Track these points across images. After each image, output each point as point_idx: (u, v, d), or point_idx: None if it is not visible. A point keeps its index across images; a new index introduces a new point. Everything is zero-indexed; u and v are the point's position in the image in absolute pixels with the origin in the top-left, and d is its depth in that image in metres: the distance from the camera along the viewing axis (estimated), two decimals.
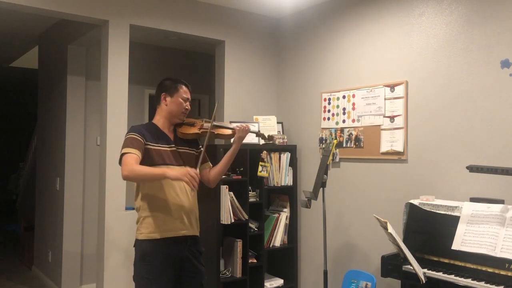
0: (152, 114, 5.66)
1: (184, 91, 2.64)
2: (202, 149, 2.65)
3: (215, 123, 2.68)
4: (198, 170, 2.40)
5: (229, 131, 2.72)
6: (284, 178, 4.16)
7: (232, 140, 2.74)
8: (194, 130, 2.65)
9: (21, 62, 6.94)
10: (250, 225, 3.94)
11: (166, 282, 2.48)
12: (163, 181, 2.50)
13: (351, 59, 3.83)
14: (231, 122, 4.00)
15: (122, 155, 2.42)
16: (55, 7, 3.40)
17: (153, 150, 2.51)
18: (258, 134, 2.89)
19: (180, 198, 2.55)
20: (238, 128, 2.68)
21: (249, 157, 3.91)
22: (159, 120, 2.64)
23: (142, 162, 2.44)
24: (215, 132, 2.67)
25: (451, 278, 2.52)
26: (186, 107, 2.64)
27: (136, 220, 2.59)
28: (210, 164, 2.80)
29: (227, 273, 3.84)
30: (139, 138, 2.47)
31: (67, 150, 4.76)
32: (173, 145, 2.60)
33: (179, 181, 2.42)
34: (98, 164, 3.93)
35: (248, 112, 4.31)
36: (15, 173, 9.02)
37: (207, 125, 2.68)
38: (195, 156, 2.70)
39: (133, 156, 2.39)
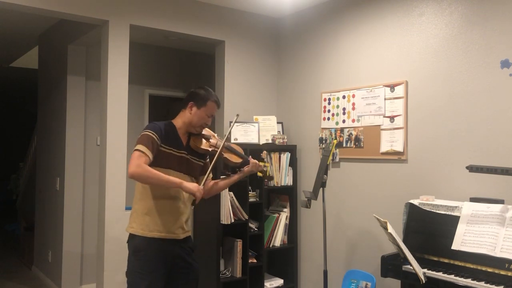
0: (152, 115, 5.70)
1: (211, 108, 2.66)
2: (208, 161, 2.75)
3: (227, 147, 2.75)
4: (202, 187, 2.55)
5: (238, 159, 2.80)
6: (284, 178, 4.16)
7: (243, 168, 2.83)
8: (206, 146, 2.70)
9: (21, 62, 6.93)
10: (250, 225, 3.94)
11: (158, 278, 2.51)
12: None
13: (351, 59, 3.83)
14: (231, 122, 4.01)
15: (135, 150, 2.45)
16: (55, 7, 3.40)
17: (163, 152, 2.55)
18: (265, 176, 2.99)
19: (177, 201, 2.60)
20: (252, 163, 2.80)
21: None
22: (179, 122, 2.67)
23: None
24: (224, 155, 2.73)
25: (451, 278, 2.52)
26: (207, 123, 2.69)
27: (131, 214, 2.60)
28: (211, 175, 2.88)
29: (227, 273, 3.84)
30: (156, 140, 2.50)
31: (67, 150, 4.76)
32: (183, 151, 2.63)
33: (190, 193, 2.53)
34: (98, 164, 3.92)
35: (248, 112, 4.31)
36: (15, 173, 9.01)
37: (220, 144, 2.72)
38: (200, 166, 2.75)
39: (146, 158, 2.43)
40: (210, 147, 2.69)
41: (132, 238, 2.56)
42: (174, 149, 2.59)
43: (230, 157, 2.77)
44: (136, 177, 2.41)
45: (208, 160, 2.80)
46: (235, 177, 2.85)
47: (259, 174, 3.13)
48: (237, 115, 2.85)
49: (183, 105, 2.69)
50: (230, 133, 2.72)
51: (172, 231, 2.57)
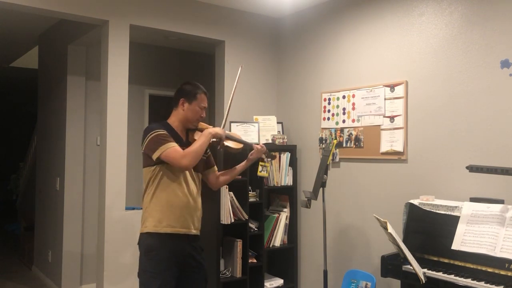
0: (152, 115, 5.70)
1: (202, 100, 2.72)
2: (210, 154, 2.78)
3: (226, 135, 2.77)
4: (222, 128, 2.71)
5: (239, 145, 2.83)
6: (284, 178, 4.16)
7: (250, 154, 2.88)
8: None
9: (21, 62, 6.93)
10: (250, 225, 3.94)
11: (170, 277, 2.53)
12: (173, 181, 2.58)
13: (351, 59, 3.83)
14: (231, 122, 4.02)
15: (165, 150, 2.49)
16: (55, 7, 3.40)
17: None
18: (268, 155, 3.03)
19: (188, 197, 2.62)
20: (256, 149, 2.85)
21: None
22: (174, 121, 2.71)
23: (150, 159, 2.55)
24: (225, 144, 2.76)
25: (451, 278, 2.52)
26: (202, 115, 2.73)
27: (142, 217, 2.63)
28: (216, 168, 2.91)
29: (227, 273, 3.84)
30: (167, 134, 2.56)
31: (67, 150, 4.76)
32: (185, 147, 2.66)
33: (218, 136, 2.66)
34: (98, 164, 3.92)
35: (248, 112, 4.31)
36: (15, 173, 9.01)
37: None
38: (203, 160, 2.77)
39: (177, 148, 2.51)
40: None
41: (143, 238, 2.58)
42: (179, 145, 2.62)
43: (232, 143, 2.80)
44: (191, 164, 2.52)
45: (210, 153, 2.82)
46: (240, 166, 2.89)
47: (261, 163, 3.17)
48: (241, 66, 2.85)
49: (174, 104, 2.73)
50: (225, 119, 2.76)
51: (184, 225, 2.59)
